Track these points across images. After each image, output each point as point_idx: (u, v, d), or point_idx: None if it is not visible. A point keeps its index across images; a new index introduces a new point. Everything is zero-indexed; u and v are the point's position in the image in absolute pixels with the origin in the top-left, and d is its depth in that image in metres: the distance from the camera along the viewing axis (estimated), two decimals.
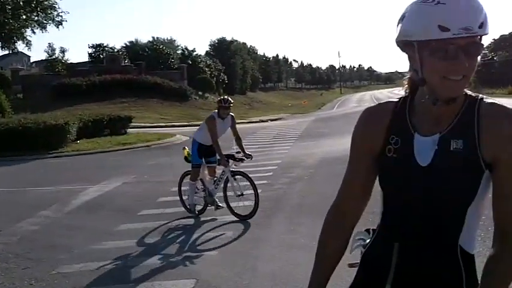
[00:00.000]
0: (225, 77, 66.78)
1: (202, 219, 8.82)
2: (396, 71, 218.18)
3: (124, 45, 63.36)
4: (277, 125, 33.94)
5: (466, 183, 1.57)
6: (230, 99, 8.78)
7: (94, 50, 59.43)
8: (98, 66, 50.61)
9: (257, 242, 7.36)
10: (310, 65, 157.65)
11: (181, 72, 53.74)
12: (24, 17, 55.49)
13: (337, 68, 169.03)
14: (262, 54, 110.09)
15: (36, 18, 56.81)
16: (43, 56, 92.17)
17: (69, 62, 60.37)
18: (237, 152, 8.78)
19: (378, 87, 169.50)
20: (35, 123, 19.17)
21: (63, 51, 64.30)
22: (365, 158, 1.75)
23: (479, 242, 1.84)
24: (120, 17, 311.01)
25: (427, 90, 1.58)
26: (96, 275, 6.30)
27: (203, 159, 8.93)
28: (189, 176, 9.01)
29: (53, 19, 57.39)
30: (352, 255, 1.92)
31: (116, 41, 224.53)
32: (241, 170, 8.85)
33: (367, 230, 1.90)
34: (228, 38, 79.93)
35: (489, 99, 1.64)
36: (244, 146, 8.91)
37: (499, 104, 1.61)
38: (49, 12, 56.69)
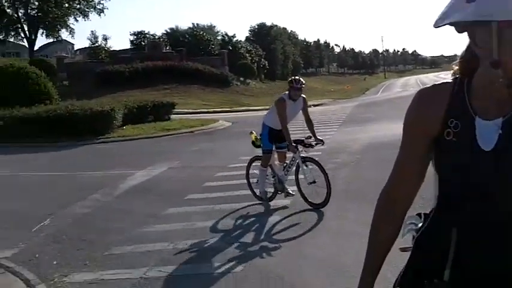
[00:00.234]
0: (266, 62, 66.70)
1: (258, 205, 8.90)
2: (442, 55, 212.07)
3: (165, 32, 64.28)
4: (320, 110, 33.68)
5: None
6: (302, 79, 8.34)
7: (135, 37, 60.54)
8: (139, 53, 51.56)
9: (303, 228, 7.40)
10: (352, 49, 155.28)
11: (222, 58, 54.05)
12: (66, 5, 57.00)
13: (380, 52, 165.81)
14: (303, 39, 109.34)
15: (78, 6, 58.25)
16: (86, 43, 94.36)
17: (111, 49, 61.72)
18: (308, 137, 8.37)
19: (423, 71, 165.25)
20: (81, 109, 19.77)
21: (105, 38, 66.04)
22: (419, 142, 1.72)
23: None
24: (160, 4, 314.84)
25: (502, 72, 1.55)
26: (147, 256, 6.51)
27: (274, 145, 8.51)
28: (258, 161, 8.71)
29: (95, 7, 58.79)
30: (404, 239, 1.93)
31: (157, 28, 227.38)
32: (312, 156, 8.49)
33: (419, 214, 1.89)
34: (268, 23, 79.79)
35: None
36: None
37: None
38: (90, 0, 58.02)
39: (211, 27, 69.89)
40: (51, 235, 7.70)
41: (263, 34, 75.61)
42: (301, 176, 8.40)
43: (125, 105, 22.59)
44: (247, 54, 61.27)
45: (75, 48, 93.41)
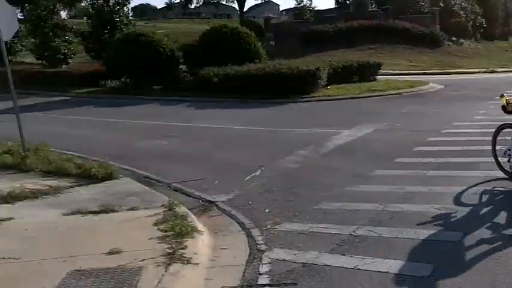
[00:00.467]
0: (483, 20, 60.66)
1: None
2: None
3: None
4: None
5: None
6: None
7: None
8: (344, 13, 51.18)
9: None
10: None
11: (432, 16, 50.68)
12: None
13: None
14: None
15: None
16: (292, 4, 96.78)
17: (316, 9, 62.53)
18: None
19: None
20: (288, 68, 20.52)
21: None
22: None
23: None
24: None
25: None
26: (355, 215, 6.53)
27: None
28: (509, 129, 7.80)
29: None
30: None
31: None
32: None
33: None
34: None
35: None
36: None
37: None
38: None
39: None
40: (263, 185, 8.22)
41: None
42: None
43: (329, 64, 22.78)
44: (461, 12, 56.42)
45: (281, 9, 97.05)
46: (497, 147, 7.88)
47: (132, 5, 31.27)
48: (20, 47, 34.08)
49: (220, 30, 25.46)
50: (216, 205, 7.35)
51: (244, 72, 21.24)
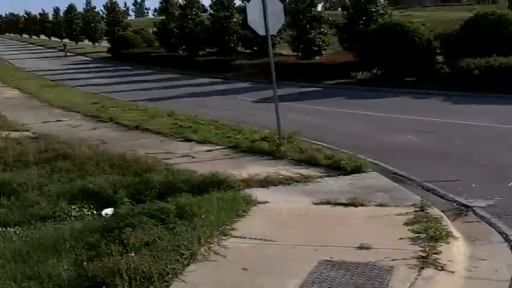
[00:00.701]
0: None
1: None
2: None
3: None
4: None
5: None
6: None
7: None
8: None
9: None
10: None
11: None
12: None
13: None
14: None
15: None
16: None
17: None
18: None
19: None
20: None
21: None
22: None
23: None
24: None
25: None
26: None
27: None
28: None
29: None
30: None
31: None
32: None
33: None
34: None
35: None
36: None
37: None
38: None
39: None
40: None
41: None
42: None
43: None
44: None
45: None
46: None
47: None
48: (279, 40, 36.92)
49: (486, 17, 23.58)
50: (473, 210, 6.92)
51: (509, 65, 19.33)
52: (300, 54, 34.51)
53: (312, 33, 33.66)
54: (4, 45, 78.13)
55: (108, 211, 7.12)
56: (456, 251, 5.44)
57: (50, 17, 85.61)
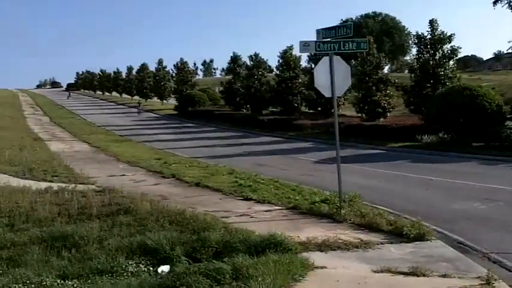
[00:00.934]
0: None
1: None
2: None
3: None
4: None
5: None
6: None
7: None
8: None
9: None
10: None
11: None
12: None
13: None
14: None
15: None
16: None
17: None
18: None
19: None
20: None
21: None
22: None
23: None
24: None
25: None
26: None
27: None
28: None
29: None
30: None
31: None
32: None
33: None
34: None
35: None
36: None
37: None
38: None
39: None
40: None
41: None
42: None
43: None
44: None
45: None
46: None
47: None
48: (343, 101, 37.06)
49: None
50: None
51: None
52: (364, 115, 34.46)
53: (377, 95, 33.67)
54: (78, 101, 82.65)
55: (165, 268, 7.19)
56: None
57: (124, 75, 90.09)
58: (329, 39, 11.29)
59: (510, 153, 20.29)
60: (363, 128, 29.63)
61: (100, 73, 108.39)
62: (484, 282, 6.28)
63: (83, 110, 61.52)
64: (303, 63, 42.14)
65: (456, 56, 31.31)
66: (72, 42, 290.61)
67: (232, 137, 33.91)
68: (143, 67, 77.61)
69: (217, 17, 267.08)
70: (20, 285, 6.56)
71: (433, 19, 30.59)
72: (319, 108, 38.15)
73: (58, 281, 6.74)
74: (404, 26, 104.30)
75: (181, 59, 64.54)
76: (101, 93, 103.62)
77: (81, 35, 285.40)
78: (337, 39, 11.23)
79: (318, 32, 11.56)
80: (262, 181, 15.01)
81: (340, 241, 8.53)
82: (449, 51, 30.43)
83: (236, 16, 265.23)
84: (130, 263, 7.34)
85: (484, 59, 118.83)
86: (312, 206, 11.26)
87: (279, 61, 42.77)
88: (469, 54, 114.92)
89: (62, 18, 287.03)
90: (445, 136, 24.45)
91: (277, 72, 43.11)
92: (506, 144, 21.54)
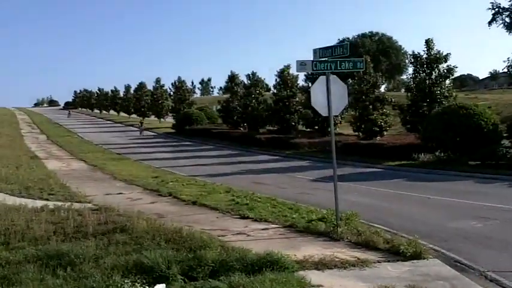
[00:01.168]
0: None
1: None
2: None
3: None
4: None
5: None
6: None
7: None
8: None
9: None
10: None
11: None
12: None
13: None
14: None
15: None
16: None
17: None
18: None
19: None
20: None
21: None
22: None
23: None
24: None
25: None
26: None
27: None
28: None
29: None
30: None
31: None
32: None
33: None
34: None
35: None
36: None
37: None
38: None
39: None
40: None
41: None
42: None
43: None
44: None
45: None
46: None
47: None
48: (340, 119, 37.20)
49: None
50: None
51: None
52: (361, 134, 34.57)
53: (374, 113, 33.83)
54: (75, 119, 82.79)
55: (161, 287, 7.15)
56: None
57: (121, 93, 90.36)
58: (326, 59, 11.39)
59: (506, 172, 20.34)
60: (359, 147, 29.70)
61: (98, 91, 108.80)
62: None
63: (80, 128, 61.55)
64: (300, 82, 42.43)
65: (452, 75, 31.57)
66: (69, 61, 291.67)
67: (229, 155, 33.93)
68: (141, 86, 77.91)
69: (215, 36, 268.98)
70: None
71: (429, 39, 30.92)
72: (316, 127, 38.28)
73: None
74: (400, 46, 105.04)
75: (179, 78, 64.94)
76: (98, 111, 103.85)
77: (78, 54, 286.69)
78: (334, 58, 11.34)
79: (315, 51, 11.67)
80: (259, 199, 15.00)
81: (337, 259, 8.51)
82: (445, 71, 30.70)
83: (235, 35, 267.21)
84: (126, 281, 7.28)
85: (480, 78, 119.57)
86: (308, 225, 11.25)
87: (276, 80, 43.06)
88: (465, 74, 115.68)
89: (59, 35, 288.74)
90: (442, 155, 24.51)
91: (275, 91, 43.34)
92: (502, 162, 21.61)
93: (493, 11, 46.08)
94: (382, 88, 49.10)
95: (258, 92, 46.52)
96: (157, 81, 71.43)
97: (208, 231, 10.48)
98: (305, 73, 37.73)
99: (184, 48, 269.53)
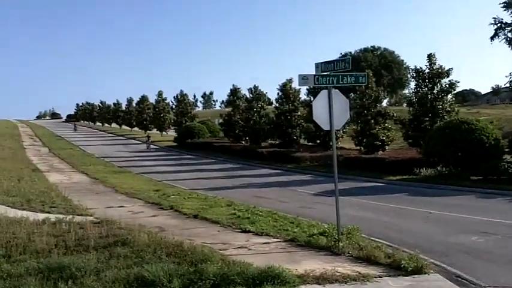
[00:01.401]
0: None
1: None
2: None
3: None
4: None
5: None
6: None
7: None
8: None
9: None
10: None
11: None
12: None
13: None
14: None
15: None
16: None
17: None
18: None
19: None
20: None
21: None
22: None
23: None
24: None
25: None
26: None
27: None
28: None
29: None
30: None
31: None
32: None
33: None
34: None
35: None
36: None
37: None
38: None
39: None
40: None
41: None
42: None
43: None
44: None
45: None
46: None
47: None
48: (342, 134, 37.30)
49: None
50: None
51: None
52: (362, 148, 34.61)
53: (375, 128, 33.91)
54: (77, 132, 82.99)
55: None
56: None
57: (123, 106, 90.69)
58: (328, 73, 11.49)
59: (508, 187, 20.35)
60: (361, 161, 29.72)
61: (100, 104, 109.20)
62: None
63: (82, 141, 61.70)
64: (302, 96, 42.60)
65: (454, 90, 31.64)
66: (72, 73, 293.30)
67: (231, 168, 33.96)
68: (143, 99, 78.21)
69: (216, 49, 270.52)
70: None
71: (431, 53, 31.05)
72: (318, 141, 38.33)
73: None
74: (402, 60, 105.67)
75: (181, 91, 65.21)
76: (100, 124, 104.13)
77: (81, 67, 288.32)
78: (336, 72, 11.43)
79: (317, 65, 11.77)
80: (260, 213, 15.01)
81: (338, 274, 8.51)
82: (447, 85, 30.78)
83: (237, 48, 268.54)
84: None
85: (482, 93, 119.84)
86: (310, 239, 11.26)
87: (278, 94, 43.20)
88: (467, 88, 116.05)
89: (62, 47, 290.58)
90: (443, 169, 24.53)
91: (277, 105, 43.47)
92: (504, 177, 21.62)
93: (496, 26, 46.38)
94: (384, 102, 49.18)
95: (259, 105, 46.69)
96: (160, 94, 71.73)
97: (210, 245, 10.50)
98: (307, 87, 37.89)
99: (187, 62, 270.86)
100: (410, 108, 32.34)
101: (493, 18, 45.28)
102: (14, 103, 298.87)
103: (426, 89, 30.98)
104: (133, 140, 64.44)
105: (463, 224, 14.07)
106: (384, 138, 33.77)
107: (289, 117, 41.19)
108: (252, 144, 44.77)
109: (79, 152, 47.85)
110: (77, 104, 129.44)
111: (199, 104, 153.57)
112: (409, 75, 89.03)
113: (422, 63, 31.65)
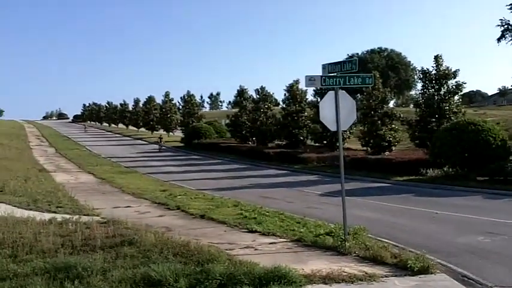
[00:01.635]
0: None
1: None
2: None
3: None
4: None
5: None
6: None
7: None
8: None
9: None
10: None
11: None
12: None
13: None
14: None
15: None
16: None
17: None
18: None
19: None
20: None
21: None
22: None
23: None
24: None
25: None
26: None
27: None
28: None
29: None
30: None
31: None
32: None
33: None
34: None
35: None
36: None
37: None
38: None
39: None
40: None
41: None
42: None
43: None
44: None
45: None
46: None
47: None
48: (348, 134, 37.25)
49: None
50: None
51: None
52: (369, 149, 34.53)
53: (382, 129, 33.81)
54: (84, 132, 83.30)
55: None
56: None
57: (130, 107, 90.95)
58: (335, 74, 11.47)
59: None
60: (368, 162, 29.65)
61: (107, 105, 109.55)
62: None
63: (88, 142, 61.91)
64: (309, 97, 42.57)
65: (461, 91, 31.48)
66: (79, 74, 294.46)
67: (237, 169, 33.98)
68: (150, 99, 78.46)
69: (224, 49, 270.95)
70: None
71: (437, 55, 30.92)
72: (325, 142, 38.26)
73: None
74: (409, 61, 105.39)
75: (188, 92, 65.28)
76: (107, 124, 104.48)
77: (88, 67, 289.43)
78: (343, 74, 11.41)
79: (324, 66, 11.75)
80: (267, 213, 15.01)
81: (345, 274, 8.50)
82: (454, 87, 30.64)
83: (244, 49, 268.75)
84: None
85: (489, 94, 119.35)
86: (316, 239, 11.24)
87: (285, 95, 43.20)
88: (474, 90, 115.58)
89: (70, 48, 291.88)
90: (450, 170, 24.44)
91: (283, 106, 43.45)
92: (510, 178, 21.51)
93: (502, 28, 46.07)
94: (391, 103, 49.11)
95: (266, 106, 46.71)
96: (166, 95, 71.94)
97: (216, 245, 10.50)
98: (314, 88, 37.83)
99: (195, 64, 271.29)
100: (417, 109, 32.21)
101: (500, 19, 44.91)
102: (21, 103, 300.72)
103: (433, 90, 30.84)
104: (140, 141, 64.60)
105: (470, 224, 14.01)
106: (391, 139, 33.69)
107: (296, 118, 41.16)
108: (258, 144, 44.79)
109: (86, 152, 48.02)
110: (84, 105, 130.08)
111: (206, 104, 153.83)
112: (415, 77, 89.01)
113: (429, 65, 31.58)
